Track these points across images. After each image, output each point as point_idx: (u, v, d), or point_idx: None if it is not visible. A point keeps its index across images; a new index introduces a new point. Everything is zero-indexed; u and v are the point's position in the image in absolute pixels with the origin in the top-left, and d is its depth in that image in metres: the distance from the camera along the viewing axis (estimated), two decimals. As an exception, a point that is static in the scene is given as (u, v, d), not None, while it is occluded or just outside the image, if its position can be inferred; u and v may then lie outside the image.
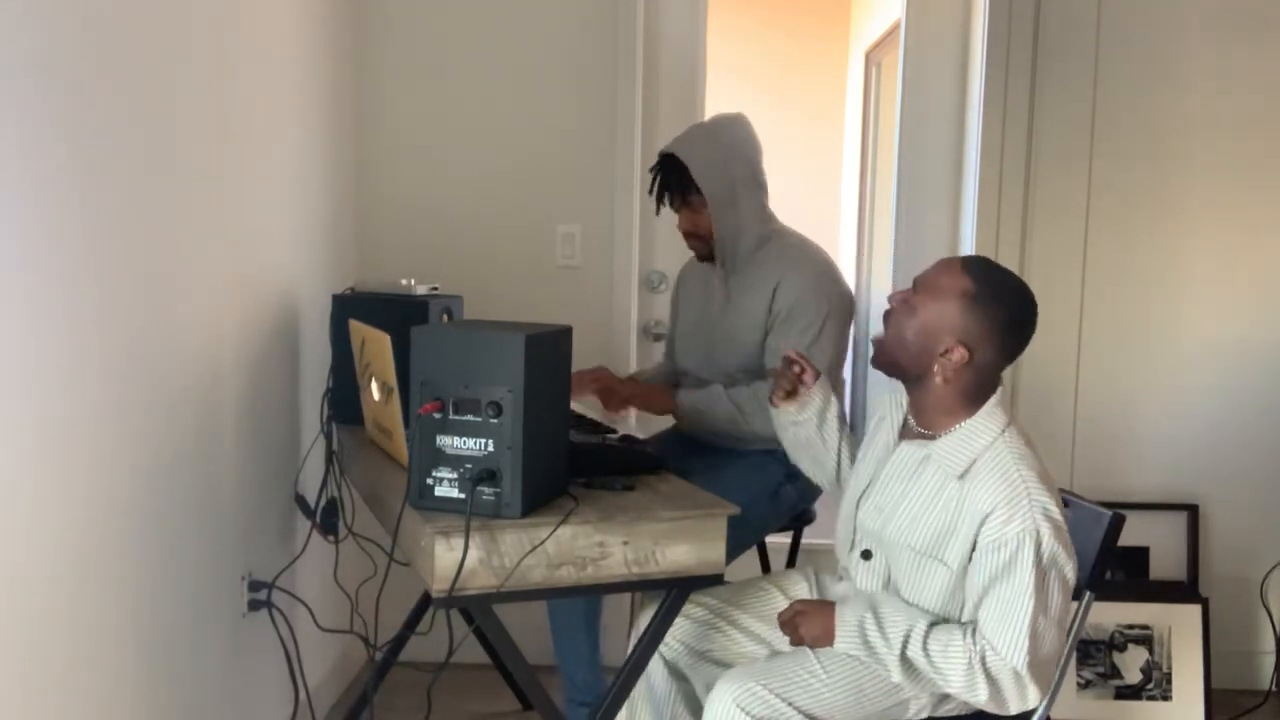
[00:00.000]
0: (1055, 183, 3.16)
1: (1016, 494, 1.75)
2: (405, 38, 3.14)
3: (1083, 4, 3.10)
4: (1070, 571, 1.78)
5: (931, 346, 1.82)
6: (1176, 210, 3.15)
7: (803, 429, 2.13)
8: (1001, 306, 1.81)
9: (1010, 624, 1.74)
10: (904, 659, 1.79)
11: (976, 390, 1.84)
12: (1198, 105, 3.11)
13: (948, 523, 1.81)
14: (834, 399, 2.14)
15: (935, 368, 1.82)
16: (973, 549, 1.78)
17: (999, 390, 1.86)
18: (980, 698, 1.76)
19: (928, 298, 1.83)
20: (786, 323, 2.46)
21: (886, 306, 1.91)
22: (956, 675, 1.76)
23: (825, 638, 1.85)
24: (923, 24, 3.35)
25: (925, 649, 1.78)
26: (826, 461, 2.16)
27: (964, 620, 1.83)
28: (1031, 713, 1.86)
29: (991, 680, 1.75)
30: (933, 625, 1.81)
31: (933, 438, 1.87)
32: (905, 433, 1.96)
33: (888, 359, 1.90)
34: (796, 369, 2.09)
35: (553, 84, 3.15)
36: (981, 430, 1.82)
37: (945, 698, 1.89)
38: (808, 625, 1.88)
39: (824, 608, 1.88)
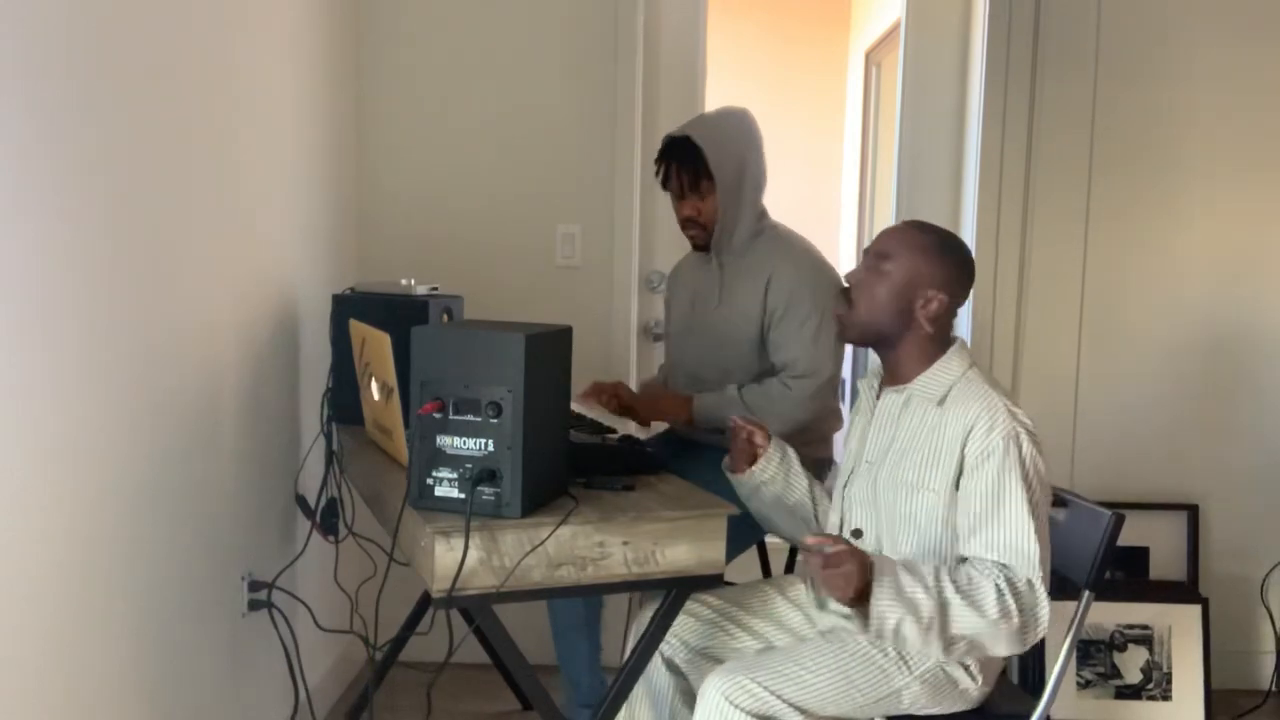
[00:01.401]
0: (1055, 182, 3.16)
1: (994, 406, 1.87)
2: (405, 37, 3.14)
3: (1082, 4, 3.10)
4: (1046, 481, 1.88)
5: (910, 300, 1.94)
6: (1176, 210, 3.15)
7: (770, 486, 2.16)
8: (954, 251, 1.97)
9: (1017, 539, 1.80)
10: (942, 603, 1.71)
11: (944, 336, 1.98)
12: (1197, 105, 3.11)
13: (933, 448, 1.90)
14: (789, 448, 2.18)
15: (918, 319, 1.94)
16: (959, 471, 1.86)
17: (959, 340, 2.00)
18: (1014, 623, 1.76)
19: (896, 260, 1.95)
20: (785, 319, 2.46)
21: (845, 285, 2.01)
22: (990, 604, 1.74)
23: (855, 595, 1.71)
24: (923, 24, 3.35)
25: (955, 584, 1.74)
26: (802, 508, 2.17)
27: (957, 554, 1.88)
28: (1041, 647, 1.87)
29: (1020, 600, 1.77)
30: (938, 568, 1.78)
31: (909, 382, 1.98)
32: (882, 394, 2.04)
33: (863, 328, 1.99)
34: (745, 434, 2.15)
35: (553, 84, 3.15)
36: (952, 365, 1.95)
37: (938, 689, 1.89)
38: (840, 579, 1.70)
39: (860, 561, 1.71)
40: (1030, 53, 3.11)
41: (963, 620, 1.74)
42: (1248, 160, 3.12)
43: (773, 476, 2.15)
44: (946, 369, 1.95)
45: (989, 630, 1.75)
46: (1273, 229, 3.14)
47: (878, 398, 2.04)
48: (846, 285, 2.01)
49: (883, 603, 1.70)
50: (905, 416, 1.96)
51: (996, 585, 1.76)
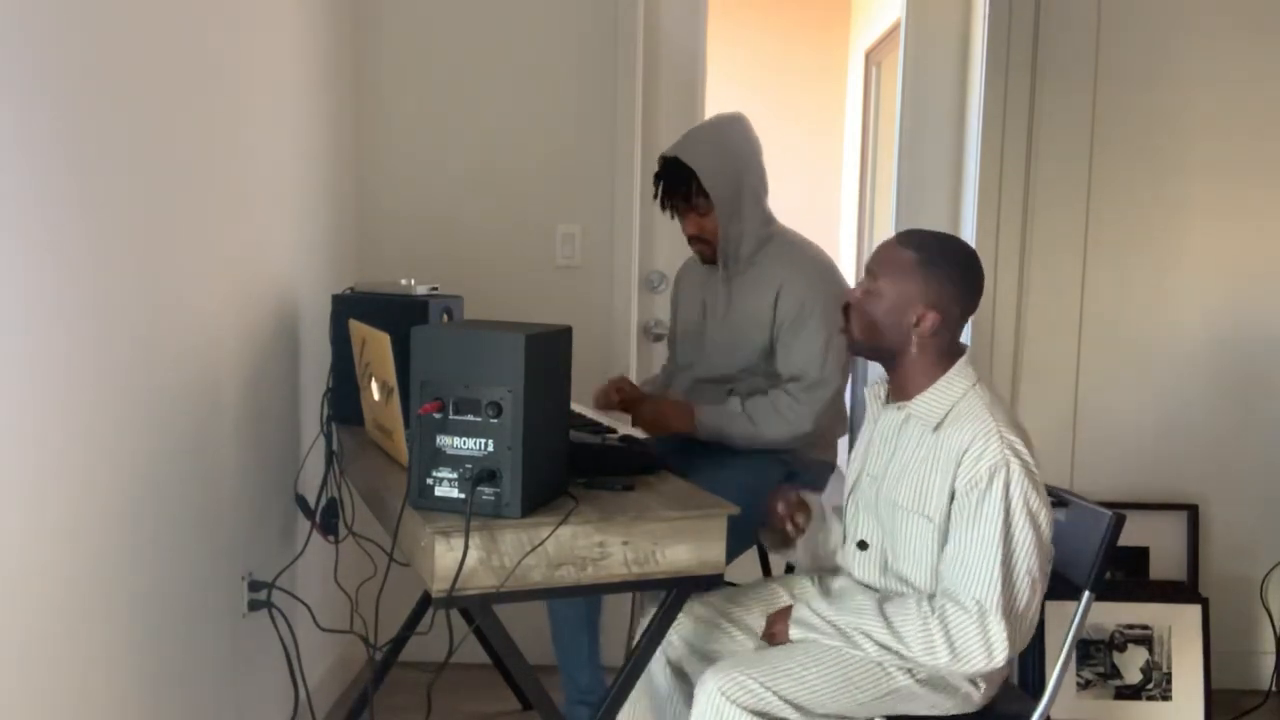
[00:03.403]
0: (1055, 182, 3.16)
1: (989, 432, 1.82)
2: (405, 38, 3.14)
3: (1082, 4, 3.10)
4: (1045, 518, 1.83)
5: (903, 321, 1.90)
6: (1176, 209, 3.15)
7: (823, 546, 2.14)
8: (948, 263, 1.91)
9: (978, 561, 1.79)
10: (847, 637, 1.84)
11: (948, 350, 1.93)
12: (1197, 104, 3.12)
13: (926, 474, 1.87)
14: (819, 502, 2.16)
15: (912, 338, 1.90)
16: (951, 498, 1.83)
17: (967, 351, 1.95)
18: (940, 658, 1.79)
19: (883, 280, 1.91)
20: (795, 329, 2.46)
21: (845, 303, 1.99)
22: (913, 640, 1.79)
23: (784, 632, 1.94)
24: (923, 24, 3.35)
25: (887, 620, 1.82)
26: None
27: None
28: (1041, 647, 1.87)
29: (949, 636, 1.78)
30: (887, 600, 1.87)
31: (910, 400, 1.94)
32: (885, 408, 2.02)
33: (865, 345, 1.97)
34: (793, 520, 2.11)
35: (553, 84, 3.15)
36: (955, 384, 1.90)
37: (940, 691, 1.89)
38: (776, 626, 1.97)
39: (784, 618, 1.96)
40: (1030, 53, 3.11)
41: (878, 646, 1.83)
42: (1248, 161, 3.12)
43: (823, 537, 2.13)
44: (948, 389, 1.90)
45: (914, 660, 1.82)
46: (1272, 230, 3.14)
47: (882, 409, 2.03)
48: (847, 304, 1.98)
49: (793, 631, 1.92)
50: (904, 435, 1.94)
51: (925, 624, 1.79)
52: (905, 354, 1.92)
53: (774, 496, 2.14)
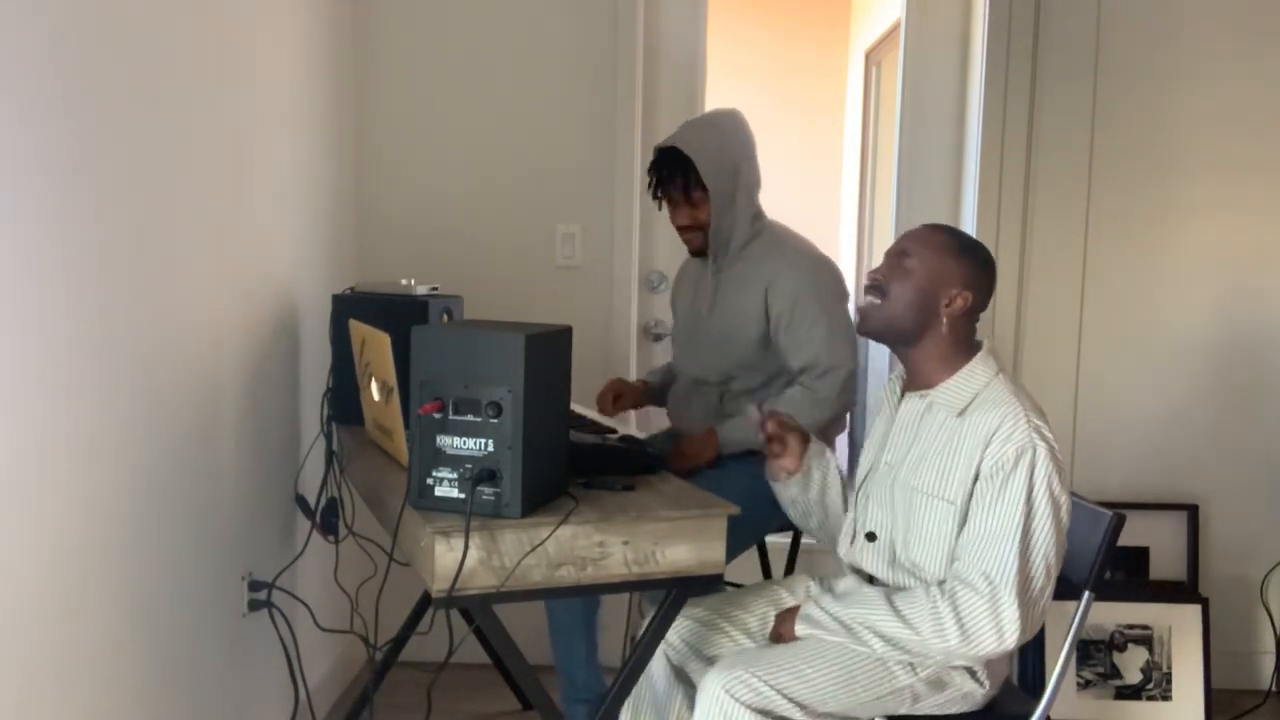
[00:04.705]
0: (1055, 182, 3.16)
1: (1016, 415, 1.83)
2: (406, 37, 3.14)
3: (1083, 4, 3.10)
4: (1065, 506, 1.84)
5: (935, 299, 1.91)
6: (1177, 208, 3.15)
7: (806, 499, 2.16)
8: (978, 253, 1.96)
9: (996, 542, 1.79)
10: (851, 630, 1.85)
11: (968, 338, 1.95)
12: (1197, 103, 3.12)
13: (951, 457, 1.87)
14: (832, 466, 2.16)
15: (942, 318, 1.91)
16: (974, 480, 1.83)
17: (988, 343, 1.96)
18: (950, 640, 1.78)
19: (918, 258, 1.92)
20: (794, 322, 2.46)
21: (869, 281, 1.98)
22: (923, 626, 1.79)
23: (790, 631, 1.94)
24: (923, 24, 3.35)
25: (895, 609, 1.82)
26: (835, 525, 2.16)
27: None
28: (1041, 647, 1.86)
29: (959, 616, 1.77)
30: (894, 593, 1.87)
31: (933, 388, 1.94)
32: (905, 398, 2.02)
33: (885, 324, 1.95)
34: (779, 444, 2.11)
35: (553, 84, 3.15)
36: (979, 372, 1.92)
37: (943, 690, 1.90)
38: (784, 626, 1.97)
39: (791, 615, 1.96)
40: (1030, 52, 3.11)
41: (884, 640, 1.83)
42: (1247, 161, 3.12)
43: (810, 494, 2.14)
44: (971, 377, 1.91)
45: (923, 648, 1.82)
46: (1272, 229, 3.14)
47: (900, 400, 2.02)
48: (872, 281, 1.97)
49: (799, 628, 1.93)
50: (926, 422, 1.93)
51: (935, 606, 1.79)
52: (928, 336, 1.93)
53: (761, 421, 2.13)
